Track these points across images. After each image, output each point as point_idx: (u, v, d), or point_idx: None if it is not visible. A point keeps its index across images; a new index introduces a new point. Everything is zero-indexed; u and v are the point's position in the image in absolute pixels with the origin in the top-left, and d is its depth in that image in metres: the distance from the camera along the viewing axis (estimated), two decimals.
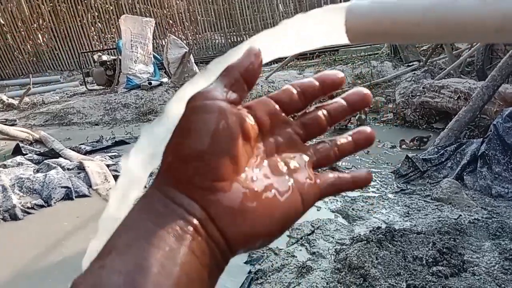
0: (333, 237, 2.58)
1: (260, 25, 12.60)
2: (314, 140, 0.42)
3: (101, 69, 8.90)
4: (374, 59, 7.71)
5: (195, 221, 0.31)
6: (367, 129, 0.40)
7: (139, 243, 0.29)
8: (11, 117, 7.69)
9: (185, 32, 13.49)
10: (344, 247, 2.43)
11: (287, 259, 2.38)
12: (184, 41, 10.24)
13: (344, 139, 0.41)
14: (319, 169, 0.41)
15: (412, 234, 2.41)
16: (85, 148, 5.10)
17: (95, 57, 9.55)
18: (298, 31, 0.54)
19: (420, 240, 2.34)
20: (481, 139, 3.29)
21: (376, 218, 2.79)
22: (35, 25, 13.72)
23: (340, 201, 3.11)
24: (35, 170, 4.22)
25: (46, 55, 14.00)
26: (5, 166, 4.32)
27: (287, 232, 2.71)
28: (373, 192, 3.24)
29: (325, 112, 0.40)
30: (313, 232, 2.67)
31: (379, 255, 2.19)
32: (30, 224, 3.30)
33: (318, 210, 3.04)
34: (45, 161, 4.39)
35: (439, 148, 3.51)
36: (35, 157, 4.75)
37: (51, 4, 13.44)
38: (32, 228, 3.24)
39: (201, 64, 10.07)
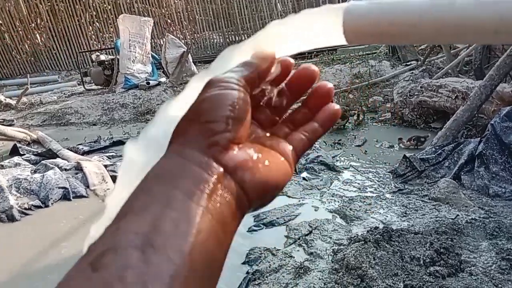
0: (330, 238, 2.58)
1: (259, 24, 12.58)
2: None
3: (99, 69, 8.89)
4: (372, 59, 7.71)
5: (213, 178, 0.32)
6: (325, 86, 0.44)
7: (155, 205, 0.30)
8: (9, 117, 7.67)
9: (183, 31, 13.47)
10: (341, 247, 2.43)
11: (284, 260, 2.38)
12: (182, 41, 10.23)
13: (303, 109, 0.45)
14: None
15: (409, 234, 2.41)
16: (82, 148, 5.09)
17: (93, 56, 9.54)
18: (295, 31, 0.53)
19: (418, 240, 2.34)
20: (479, 138, 3.30)
21: (373, 218, 2.79)
22: (33, 24, 13.69)
23: (338, 201, 3.11)
24: (33, 171, 4.21)
25: (44, 54, 13.97)
26: (2, 167, 4.31)
27: (284, 232, 2.72)
28: (370, 192, 3.25)
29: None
30: (310, 232, 2.67)
31: (376, 255, 2.19)
32: (28, 225, 3.29)
33: (316, 210, 3.04)
34: (42, 161, 4.38)
35: (437, 147, 3.51)
36: (33, 157, 4.74)
37: (49, 4, 13.41)
38: (30, 229, 3.23)
39: (199, 64, 10.06)
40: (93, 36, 13.87)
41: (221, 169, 0.33)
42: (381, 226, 2.60)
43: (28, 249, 2.90)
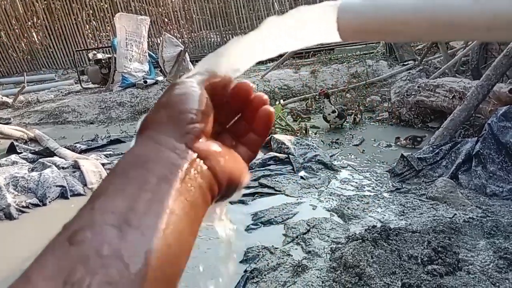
0: (328, 236, 2.58)
1: (256, 23, 12.58)
2: None
3: (96, 67, 8.86)
4: (369, 58, 7.73)
5: (186, 163, 0.35)
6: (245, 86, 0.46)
7: (130, 187, 0.32)
8: (6, 116, 7.64)
9: (181, 30, 13.46)
10: (339, 246, 2.44)
11: (282, 258, 2.38)
12: (180, 40, 10.21)
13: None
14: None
15: (407, 233, 2.42)
16: (80, 147, 5.08)
17: (90, 55, 9.50)
18: (289, 29, 0.54)
19: (415, 239, 2.35)
20: (476, 138, 3.31)
21: (371, 217, 2.80)
22: (29, 23, 13.63)
23: (336, 200, 3.12)
24: (30, 169, 4.20)
25: (41, 53, 13.92)
26: None
27: (283, 231, 2.72)
28: (368, 191, 3.25)
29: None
30: (308, 231, 2.67)
31: (374, 254, 2.19)
32: (25, 223, 3.28)
33: (313, 209, 3.04)
34: (40, 160, 4.37)
35: (434, 147, 3.53)
36: (30, 156, 4.73)
37: (46, 2, 13.35)
38: (27, 227, 3.22)
39: (196, 63, 10.03)
40: (90, 34, 13.83)
41: (194, 155, 0.36)
42: (379, 224, 2.61)
43: (26, 247, 2.89)
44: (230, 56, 0.48)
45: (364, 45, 9.58)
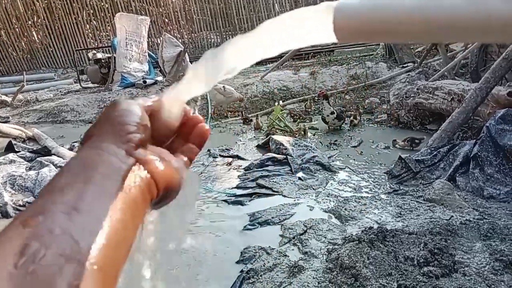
0: (325, 237, 2.58)
1: (256, 24, 12.52)
2: None
3: (96, 67, 8.86)
4: (369, 60, 7.74)
5: (126, 166, 0.39)
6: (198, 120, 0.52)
7: (78, 184, 0.35)
8: (4, 114, 7.64)
9: (181, 31, 13.46)
10: (336, 247, 2.43)
11: (279, 259, 2.38)
12: (180, 40, 10.21)
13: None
14: None
15: (404, 234, 2.42)
16: (78, 146, 5.07)
17: (90, 55, 9.51)
18: (286, 30, 0.54)
19: (412, 240, 2.35)
20: (474, 140, 3.31)
21: (368, 218, 2.80)
22: (29, 22, 13.63)
23: (333, 201, 3.11)
24: (28, 168, 4.19)
25: (41, 52, 13.92)
26: None
27: (280, 232, 2.72)
28: (366, 192, 3.25)
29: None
30: (305, 231, 2.67)
31: (370, 255, 2.19)
32: None
33: (311, 210, 3.04)
34: (37, 158, 4.36)
35: (432, 149, 3.53)
36: (28, 154, 4.72)
37: (46, 1, 13.35)
38: None
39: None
40: (90, 34, 13.83)
41: (134, 160, 0.40)
42: (375, 226, 2.61)
43: None
44: (190, 83, 0.52)
45: (364, 47, 9.59)
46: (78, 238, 0.31)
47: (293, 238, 2.61)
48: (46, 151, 4.75)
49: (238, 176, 3.83)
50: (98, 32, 13.82)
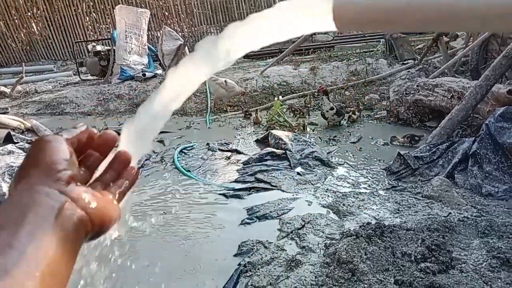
0: (323, 232, 2.58)
1: None
2: None
3: (95, 59, 8.83)
4: (369, 57, 7.72)
5: (59, 205, 0.41)
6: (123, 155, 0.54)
7: (11, 224, 0.37)
8: (3, 105, 7.62)
9: (181, 24, 13.42)
10: (333, 241, 2.44)
11: (276, 253, 2.38)
12: (180, 34, 10.18)
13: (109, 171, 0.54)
14: None
15: (401, 230, 2.42)
16: None
17: (89, 47, 9.47)
18: (285, 18, 0.53)
19: (410, 236, 2.35)
20: (473, 138, 3.31)
21: (366, 214, 2.80)
22: (29, 13, 13.57)
23: (332, 197, 3.11)
24: None
25: (40, 44, 13.87)
26: None
27: (277, 226, 2.72)
28: (364, 188, 3.25)
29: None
30: (303, 226, 2.67)
31: (368, 250, 2.19)
32: None
33: (309, 205, 3.04)
34: None
35: (431, 146, 3.53)
36: (26, 145, 4.71)
37: None
38: None
39: None
40: (90, 26, 13.78)
41: (66, 198, 0.42)
42: (373, 221, 2.61)
43: None
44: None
45: (365, 43, 9.58)
46: (12, 273, 0.33)
47: (291, 232, 2.61)
48: None
49: (237, 170, 3.83)
50: (97, 25, 13.77)
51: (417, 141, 4.01)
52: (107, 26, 13.61)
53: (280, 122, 5.13)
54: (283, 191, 3.28)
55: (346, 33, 12.16)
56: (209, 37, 0.58)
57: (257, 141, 4.69)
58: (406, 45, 7.56)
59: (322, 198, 3.12)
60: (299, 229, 2.64)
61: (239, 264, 2.32)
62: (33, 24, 13.67)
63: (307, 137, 4.57)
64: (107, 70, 8.52)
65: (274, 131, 4.48)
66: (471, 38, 6.21)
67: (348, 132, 4.76)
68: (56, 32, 13.71)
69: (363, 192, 3.15)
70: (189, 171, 3.89)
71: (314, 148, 4.02)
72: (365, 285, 1.96)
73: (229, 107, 6.32)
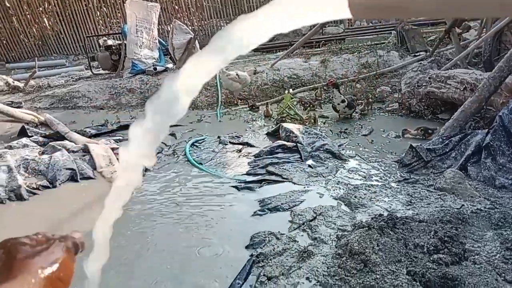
0: (335, 224, 2.59)
1: None
2: None
3: (107, 53, 8.89)
4: (380, 49, 7.66)
5: None
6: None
7: None
8: (17, 100, 7.72)
9: (191, 18, 13.42)
10: (345, 233, 2.44)
11: (288, 244, 2.40)
12: (190, 27, 10.18)
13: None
14: None
15: (414, 222, 2.42)
16: (90, 131, 5.12)
17: (101, 41, 9.54)
18: (299, 6, 0.53)
19: (422, 228, 2.35)
20: (486, 130, 3.28)
21: (378, 206, 2.80)
22: (40, 8, 13.68)
23: (343, 189, 3.12)
24: (40, 152, 4.24)
25: (52, 39, 13.99)
26: (10, 147, 4.34)
27: (289, 218, 2.74)
28: (376, 180, 3.25)
29: None
30: (315, 218, 2.68)
31: (380, 241, 2.20)
32: (35, 205, 3.33)
33: (320, 197, 3.05)
34: (50, 143, 4.42)
35: (444, 138, 3.50)
36: (41, 139, 4.78)
37: None
38: (37, 208, 3.27)
39: None
40: (101, 21, 13.85)
41: None
42: (385, 213, 2.61)
43: (35, 227, 2.93)
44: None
45: (376, 35, 9.49)
46: None
47: (303, 224, 2.63)
48: (58, 136, 4.80)
49: (248, 163, 3.85)
50: (108, 19, 13.84)
51: (430, 134, 3.98)
52: (117, 20, 13.67)
53: (291, 115, 5.13)
54: (294, 183, 3.29)
55: (357, 25, 12.06)
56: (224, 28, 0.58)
57: (268, 134, 4.70)
58: (418, 37, 7.48)
59: (334, 190, 3.13)
60: (311, 221, 2.65)
61: (251, 255, 2.34)
62: (45, 19, 13.78)
63: (318, 130, 4.56)
64: (118, 64, 8.57)
65: (285, 124, 4.49)
66: (484, 29, 6.13)
67: (360, 124, 4.74)
68: (68, 27, 13.81)
69: (374, 185, 3.14)
70: (200, 163, 3.92)
71: (325, 141, 4.02)
72: (377, 276, 1.97)
73: (239, 101, 6.33)
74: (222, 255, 2.41)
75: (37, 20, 13.76)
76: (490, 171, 3.03)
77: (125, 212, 2.94)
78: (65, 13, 13.65)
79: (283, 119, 5.06)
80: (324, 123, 4.99)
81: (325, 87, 6.21)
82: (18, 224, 3.06)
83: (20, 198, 3.37)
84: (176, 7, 13.47)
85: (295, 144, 3.99)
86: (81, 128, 5.31)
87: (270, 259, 2.26)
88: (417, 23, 9.15)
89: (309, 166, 3.62)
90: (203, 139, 4.68)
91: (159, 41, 8.83)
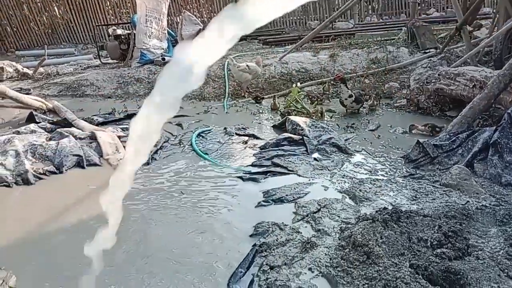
0: (339, 216, 2.59)
1: None
2: None
3: (115, 43, 8.92)
4: (390, 45, 7.60)
5: None
6: None
7: None
8: (26, 86, 7.77)
9: (200, 9, 13.40)
10: (349, 225, 2.44)
11: (292, 235, 2.40)
12: (199, 19, 10.18)
13: None
14: None
15: (418, 216, 2.41)
16: (97, 119, 5.15)
17: (110, 31, 9.56)
18: None
19: (426, 222, 2.34)
20: (494, 127, 3.26)
21: (383, 200, 2.80)
22: None
23: (348, 182, 3.11)
24: (48, 138, 4.27)
25: (62, 27, 14.04)
26: (18, 133, 4.38)
27: (293, 209, 2.74)
28: (381, 175, 3.24)
29: None
30: (319, 210, 2.68)
31: (384, 234, 2.20)
32: (42, 189, 3.36)
33: (325, 190, 3.05)
34: (57, 129, 4.45)
35: (451, 134, 3.48)
36: (48, 125, 4.81)
37: None
38: (44, 193, 3.30)
39: None
40: (110, 10, 13.88)
41: None
42: (390, 207, 2.60)
43: (41, 211, 2.97)
44: None
45: (386, 31, 9.43)
46: None
47: (307, 215, 2.63)
48: (66, 123, 4.83)
49: (254, 154, 3.85)
50: (118, 9, 13.86)
51: (438, 132, 3.95)
52: (127, 10, 13.69)
53: (298, 108, 5.12)
54: (299, 175, 3.29)
55: (367, 21, 11.98)
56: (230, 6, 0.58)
57: (274, 126, 4.70)
58: (428, 34, 7.41)
59: (339, 183, 3.12)
60: (315, 212, 2.66)
61: (255, 245, 2.35)
62: (55, 8, 13.83)
63: (325, 123, 4.55)
64: (127, 54, 8.59)
65: (291, 117, 4.48)
66: (496, 27, 6.06)
67: (367, 120, 4.72)
68: (78, 16, 13.85)
69: (380, 179, 3.14)
70: (206, 154, 3.93)
71: (332, 135, 4.01)
72: (380, 268, 1.97)
73: (247, 93, 6.32)
74: (225, 243, 2.42)
75: (47, 9, 13.81)
76: (496, 168, 3.01)
77: (130, 200, 2.97)
78: (75, 2, 13.69)
79: (290, 112, 5.06)
80: (331, 117, 4.98)
81: (332, 82, 6.19)
82: (24, 207, 3.09)
83: (26, 182, 3.40)
84: None
85: (301, 137, 3.99)
86: (88, 116, 5.34)
87: (273, 249, 2.26)
88: (428, 20, 9.07)
89: (315, 159, 3.62)
90: (209, 130, 4.69)
91: (168, 32, 8.83)
